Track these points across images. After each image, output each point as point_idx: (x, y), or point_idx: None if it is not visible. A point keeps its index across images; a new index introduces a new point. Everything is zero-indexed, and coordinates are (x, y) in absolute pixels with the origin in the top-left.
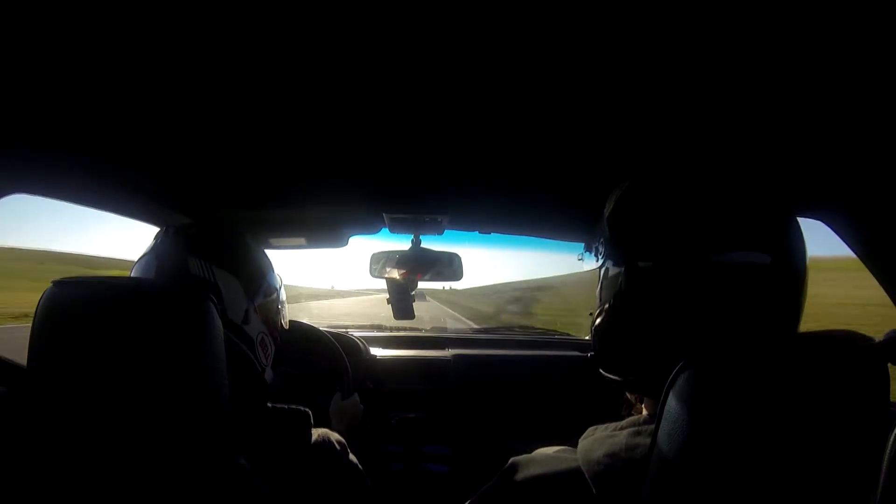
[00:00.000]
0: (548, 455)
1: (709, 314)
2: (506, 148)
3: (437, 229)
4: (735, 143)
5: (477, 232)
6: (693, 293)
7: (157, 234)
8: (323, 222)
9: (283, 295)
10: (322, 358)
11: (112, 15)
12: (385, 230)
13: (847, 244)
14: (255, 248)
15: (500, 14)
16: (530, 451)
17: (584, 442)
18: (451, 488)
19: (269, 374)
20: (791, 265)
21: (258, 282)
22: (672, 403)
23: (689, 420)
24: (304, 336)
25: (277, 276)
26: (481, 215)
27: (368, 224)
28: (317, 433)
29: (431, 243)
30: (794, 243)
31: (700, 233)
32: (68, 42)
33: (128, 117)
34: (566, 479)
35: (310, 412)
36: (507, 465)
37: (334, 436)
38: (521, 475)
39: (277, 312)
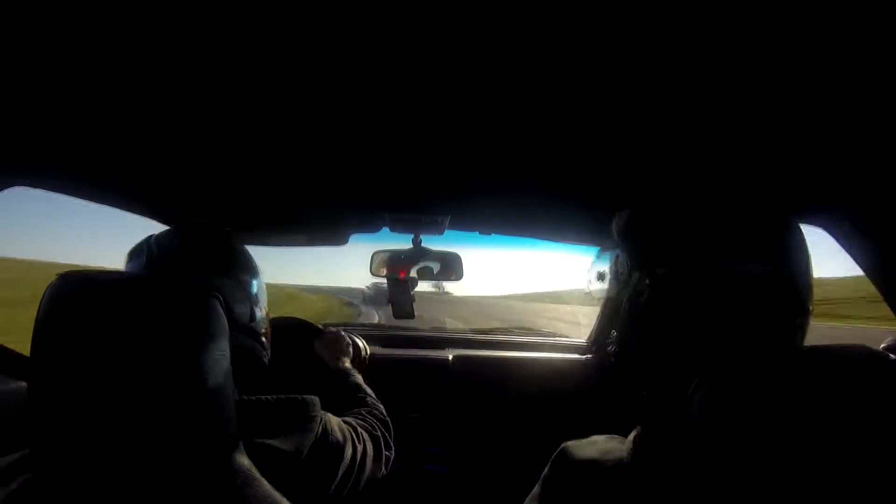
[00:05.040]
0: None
1: (714, 321)
2: (507, 149)
3: (438, 229)
4: (735, 150)
5: (477, 233)
6: (703, 300)
7: (142, 250)
8: (324, 221)
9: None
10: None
11: (112, 14)
12: (386, 229)
13: (848, 252)
14: (241, 245)
15: (501, 15)
16: (529, 452)
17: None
18: (450, 488)
19: (266, 358)
20: (790, 276)
21: (253, 277)
22: (692, 417)
23: (709, 434)
24: (302, 332)
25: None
26: (482, 216)
27: (369, 223)
28: (319, 423)
29: (432, 244)
30: (796, 254)
31: (706, 243)
32: (70, 41)
33: (129, 112)
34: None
35: (310, 401)
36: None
37: (335, 422)
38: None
39: (264, 292)
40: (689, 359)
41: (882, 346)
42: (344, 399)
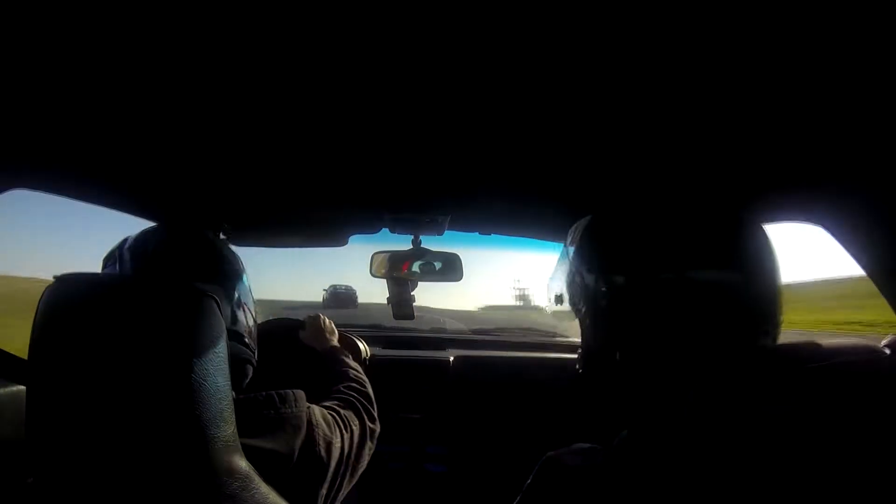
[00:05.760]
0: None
1: (676, 330)
2: (507, 149)
3: (438, 230)
4: (731, 142)
5: (477, 233)
6: (666, 307)
7: (120, 255)
8: (323, 222)
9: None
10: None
11: (111, 13)
12: (385, 230)
13: (845, 248)
14: (223, 247)
15: (502, 17)
16: (529, 453)
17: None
18: (449, 488)
19: (254, 360)
20: (753, 283)
21: (236, 278)
22: (682, 425)
23: (701, 442)
24: (288, 330)
25: (240, 260)
26: (482, 216)
27: (369, 224)
28: (305, 418)
29: (432, 244)
30: (760, 260)
31: (669, 249)
32: (69, 41)
33: (130, 111)
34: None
35: (291, 395)
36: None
37: (320, 415)
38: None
39: (249, 294)
40: (655, 367)
41: (883, 343)
42: (329, 378)
